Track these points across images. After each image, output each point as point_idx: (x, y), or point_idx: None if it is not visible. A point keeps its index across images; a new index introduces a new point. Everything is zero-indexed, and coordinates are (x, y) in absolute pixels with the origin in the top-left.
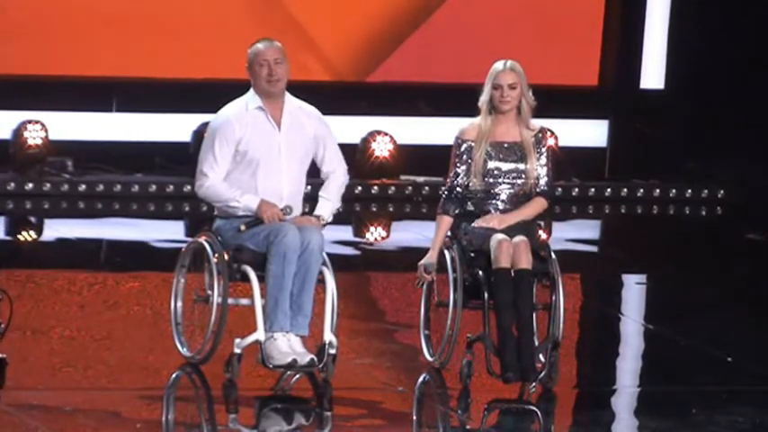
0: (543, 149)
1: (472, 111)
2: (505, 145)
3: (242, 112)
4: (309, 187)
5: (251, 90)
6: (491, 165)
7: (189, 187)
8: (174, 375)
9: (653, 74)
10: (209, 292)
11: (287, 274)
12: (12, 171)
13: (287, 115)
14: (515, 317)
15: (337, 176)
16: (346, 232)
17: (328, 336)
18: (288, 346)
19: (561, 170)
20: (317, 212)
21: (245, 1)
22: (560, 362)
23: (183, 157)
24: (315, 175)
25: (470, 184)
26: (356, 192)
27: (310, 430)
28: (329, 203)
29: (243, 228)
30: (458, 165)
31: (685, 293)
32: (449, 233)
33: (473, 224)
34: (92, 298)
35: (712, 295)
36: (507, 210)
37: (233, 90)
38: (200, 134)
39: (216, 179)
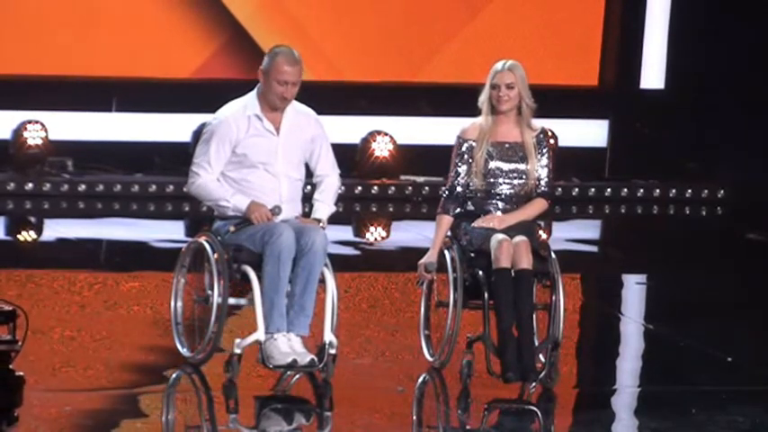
0: (544, 150)
1: (472, 111)
2: (507, 145)
3: (241, 114)
4: (309, 187)
5: (253, 92)
6: (492, 165)
7: None
8: (174, 375)
9: (653, 74)
10: (209, 292)
11: (282, 275)
12: (12, 171)
13: (286, 119)
14: (515, 317)
15: (332, 181)
16: (346, 232)
17: (328, 336)
18: (288, 347)
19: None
20: (315, 216)
21: (245, 2)
22: (560, 362)
23: (183, 157)
24: (312, 174)
25: (471, 184)
26: (356, 192)
27: (310, 430)
28: (326, 207)
29: (232, 229)
30: (459, 164)
31: (685, 293)
32: (449, 233)
33: (473, 224)
34: (92, 298)
35: (712, 295)
36: (507, 210)
37: (233, 90)
38: (199, 134)
39: (208, 178)
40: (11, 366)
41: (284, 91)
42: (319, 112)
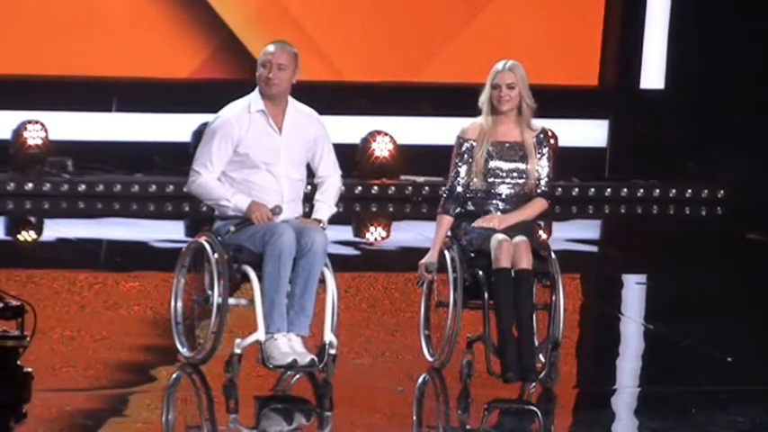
0: (545, 150)
1: (473, 111)
2: (507, 145)
3: (244, 113)
4: (309, 187)
5: (256, 89)
6: (492, 164)
7: None
8: (174, 375)
9: (653, 74)
10: (209, 292)
11: (283, 275)
12: (12, 171)
13: (288, 119)
14: (515, 317)
15: (334, 182)
16: (346, 232)
17: (328, 336)
18: (288, 346)
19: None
20: (316, 216)
21: (246, 2)
22: (560, 362)
23: (183, 157)
24: (313, 175)
25: (471, 184)
26: (356, 192)
27: (310, 430)
28: (327, 208)
29: (232, 229)
30: (459, 164)
31: (685, 293)
32: (449, 233)
33: (473, 224)
34: (92, 298)
35: (712, 295)
36: (507, 210)
37: (233, 90)
38: (200, 134)
39: (209, 177)
40: (19, 362)
41: (267, 72)
42: (319, 112)
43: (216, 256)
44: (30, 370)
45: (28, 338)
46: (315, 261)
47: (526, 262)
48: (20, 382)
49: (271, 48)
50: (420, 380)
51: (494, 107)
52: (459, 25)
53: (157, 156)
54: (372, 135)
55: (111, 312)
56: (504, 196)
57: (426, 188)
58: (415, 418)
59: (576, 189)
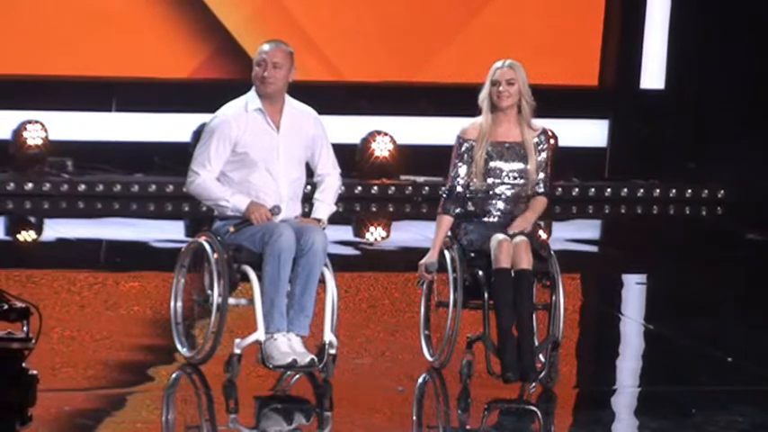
0: (544, 150)
1: (473, 111)
2: (507, 145)
3: (241, 112)
4: (309, 187)
5: (253, 89)
6: (492, 164)
7: None
8: (173, 375)
9: (653, 74)
10: (209, 292)
11: (282, 275)
12: (12, 171)
13: (286, 117)
14: (515, 317)
15: (333, 181)
16: (346, 232)
17: (328, 336)
18: (288, 346)
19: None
20: (316, 216)
21: (246, 2)
22: (560, 362)
23: (183, 157)
24: (312, 174)
25: (471, 184)
26: (356, 192)
27: (310, 430)
28: (326, 207)
29: (232, 229)
30: (459, 164)
31: (685, 293)
32: (449, 233)
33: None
34: (92, 298)
35: (712, 295)
36: (508, 210)
37: (232, 90)
38: (199, 134)
39: (207, 177)
40: (24, 365)
41: (262, 71)
42: (319, 112)
43: (216, 256)
44: (35, 372)
45: (33, 341)
46: (315, 261)
47: (526, 262)
48: (25, 385)
49: (266, 47)
50: (420, 380)
51: (493, 104)
52: (459, 25)
53: (157, 156)
54: (372, 135)
55: (111, 312)
56: (504, 196)
57: (426, 188)
58: (415, 418)
59: (576, 189)
